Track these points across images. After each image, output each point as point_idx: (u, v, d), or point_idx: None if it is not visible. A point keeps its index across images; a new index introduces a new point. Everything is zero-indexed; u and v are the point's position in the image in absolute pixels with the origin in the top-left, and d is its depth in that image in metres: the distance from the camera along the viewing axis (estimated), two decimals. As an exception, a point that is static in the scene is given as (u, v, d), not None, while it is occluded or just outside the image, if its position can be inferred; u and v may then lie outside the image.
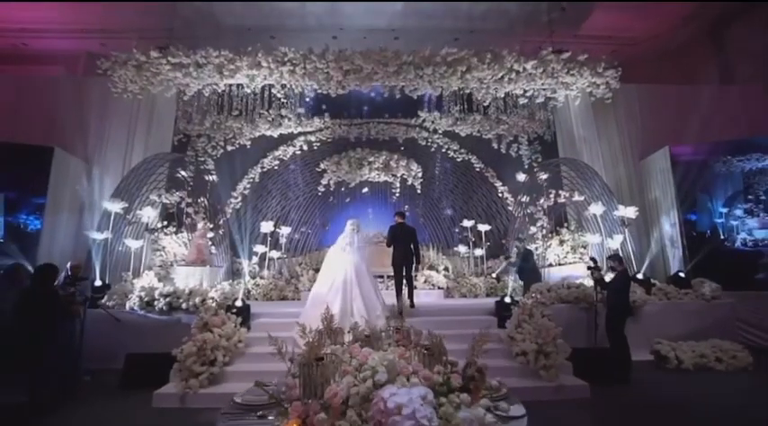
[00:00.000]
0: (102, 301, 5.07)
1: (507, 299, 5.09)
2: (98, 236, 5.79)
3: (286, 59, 7.19)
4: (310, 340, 1.71)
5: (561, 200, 7.53)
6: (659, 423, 3.28)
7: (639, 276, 6.04)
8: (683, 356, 4.79)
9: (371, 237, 7.81)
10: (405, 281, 5.48)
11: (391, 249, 5.53)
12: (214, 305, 4.68)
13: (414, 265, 5.56)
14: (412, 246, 5.46)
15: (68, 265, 4.68)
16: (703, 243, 7.05)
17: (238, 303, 4.96)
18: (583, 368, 4.24)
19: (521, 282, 6.64)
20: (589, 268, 5.13)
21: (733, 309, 5.51)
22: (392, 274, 5.78)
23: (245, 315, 4.84)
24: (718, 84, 9.94)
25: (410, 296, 5.51)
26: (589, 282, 5.41)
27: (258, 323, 5.00)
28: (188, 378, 3.85)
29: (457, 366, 1.61)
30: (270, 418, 1.58)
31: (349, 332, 2.18)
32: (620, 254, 5.50)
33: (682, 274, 6.07)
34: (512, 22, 10.23)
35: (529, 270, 6.54)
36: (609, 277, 5.08)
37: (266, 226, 7.77)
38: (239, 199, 8.70)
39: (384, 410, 1.16)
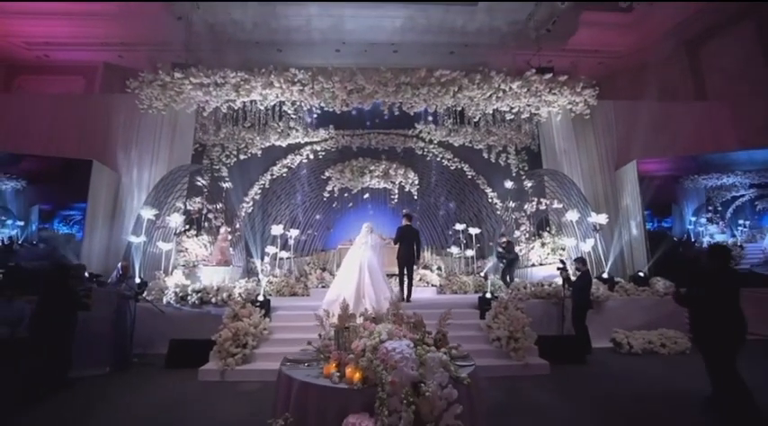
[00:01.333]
0: (143, 296, 6.05)
1: (488, 295, 6.12)
2: (135, 240, 6.79)
3: (296, 80, 8.12)
4: (337, 319, 2.70)
5: (542, 207, 8.55)
6: (599, 391, 4.30)
7: (605, 275, 7.06)
8: (634, 342, 5.82)
9: (386, 238, 8.80)
10: (406, 278, 6.49)
11: (395, 247, 6.55)
12: (241, 299, 5.68)
13: (415, 262, 6.62)
14: (415, 246, 6.43)
15: (119, 265, 5.67)
16: (673, 246, 8.08)
17: (260, 298, 5.97)
18: (548, 351, 5.26)
19: (501, 282, 7.65)
20: (558, 269, 6.16)
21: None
22: (388, 273, 6.80)
23: (266, 307, 5.84)
24: (692, 99, 10.96)
25: (408, 291, 6.53)
26: (559, 281, 6.42)
27: (277, 315, 6.00)
28: (226, 358, 4.85)
29: (432, 333, 2.63)
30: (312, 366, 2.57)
31: (360, 316, 3.18)
32: (585, 257, 6.51)
33: (641, 273, 7.10)
34: (503, 37, 11.17)
35: (512, 258, 7.65)
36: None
37: (276, 229, 8.74)
38: (251, 203, 9.67)
39: (385, 351, 2.16)
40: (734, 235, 7.59)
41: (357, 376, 2.16)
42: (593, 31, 10.97)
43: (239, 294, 5.99)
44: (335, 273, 8.65)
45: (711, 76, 10.80)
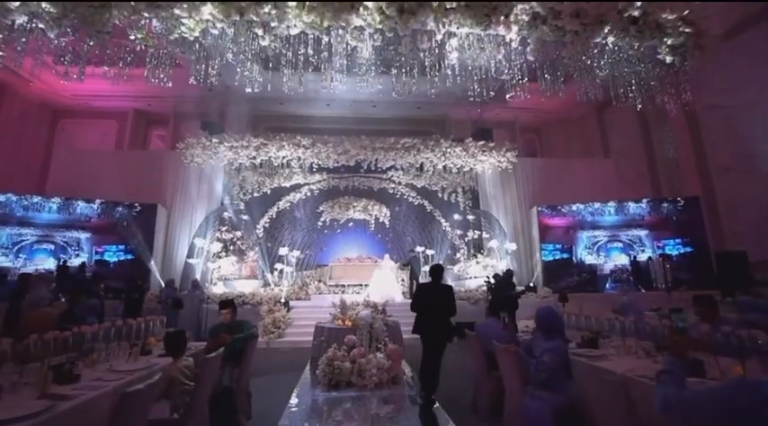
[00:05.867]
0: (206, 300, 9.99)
1: (429, 298, 10.37)
2: (193, 261, 10.71)
3: (301, 144, 12.19)
4: (341, 305, 6.85)
5: (476, 237, 12.90)
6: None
7: (520, 288, 11.40)
8: (520, 325, 10.17)
9: (365, 258, 12.98)
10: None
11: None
12: (271, 300, 9.72)
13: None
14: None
15: (192, 279, 9.62)
16: (569, 267, 12.61)
17: (283, 299, 10.02)
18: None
19: None
20: (485, 282, 10.47)
21: (555, 303, 10.98)
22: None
23: (287, 306, 9.89)
24: (600, 152, 15.63)
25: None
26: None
27: (293, 310, 10.05)
28: (269, 334, 8.88)
29: (382, 311, 6.83)
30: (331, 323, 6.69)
31: (351, 303, 7.34)
32: (499, 274, 10.86)
33: (531, 284, 11.52)
34: (458, 99, 15.51)
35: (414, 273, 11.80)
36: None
37: (283, 250, 12.71)
38: (262, 230, 13.62)
39: (361, 315, 6.31)
40: (598, 260, 12.29)
41: (350, 323, 6.31)
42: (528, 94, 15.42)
43: (270, 298, 10.03)
44: (329, 283, 12.79)
45: (611, 137, 15.52)
